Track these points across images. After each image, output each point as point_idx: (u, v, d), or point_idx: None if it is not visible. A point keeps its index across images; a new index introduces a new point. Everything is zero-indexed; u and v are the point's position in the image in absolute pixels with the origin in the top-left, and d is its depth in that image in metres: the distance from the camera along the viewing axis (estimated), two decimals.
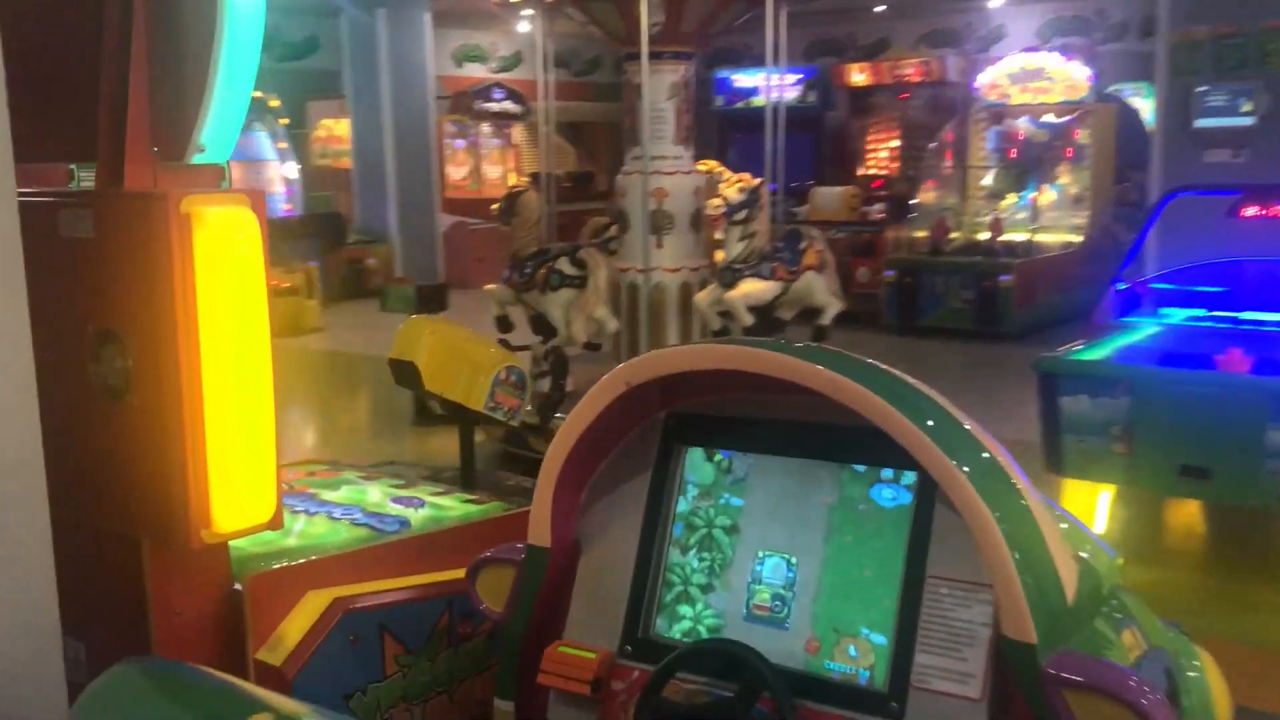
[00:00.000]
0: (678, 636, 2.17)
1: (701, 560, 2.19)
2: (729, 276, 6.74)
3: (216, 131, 2.33)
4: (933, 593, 1.92)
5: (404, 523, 2.93)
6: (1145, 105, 13.39)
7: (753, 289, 6.72)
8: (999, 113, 12.97)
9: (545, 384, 7.15)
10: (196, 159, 2.35)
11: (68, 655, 2.14)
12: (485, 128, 18.30)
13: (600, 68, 19.59)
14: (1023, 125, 12.90)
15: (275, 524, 2.44)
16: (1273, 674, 4.12)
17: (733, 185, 6.75)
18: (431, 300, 8.11)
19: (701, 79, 19.07)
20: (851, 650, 1.99)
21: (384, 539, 2.83)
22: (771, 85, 7.33)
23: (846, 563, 2.03)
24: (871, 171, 15.55)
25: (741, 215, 6.66)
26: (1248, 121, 9.20)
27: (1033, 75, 12.73)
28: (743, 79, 16.58)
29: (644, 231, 6.91)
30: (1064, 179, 12.60)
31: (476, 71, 18.50)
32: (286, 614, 2.54)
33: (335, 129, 17.33)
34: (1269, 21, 9.13)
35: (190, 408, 2.26)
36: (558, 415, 6.33)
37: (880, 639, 1.97)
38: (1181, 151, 9.53)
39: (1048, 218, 12.39)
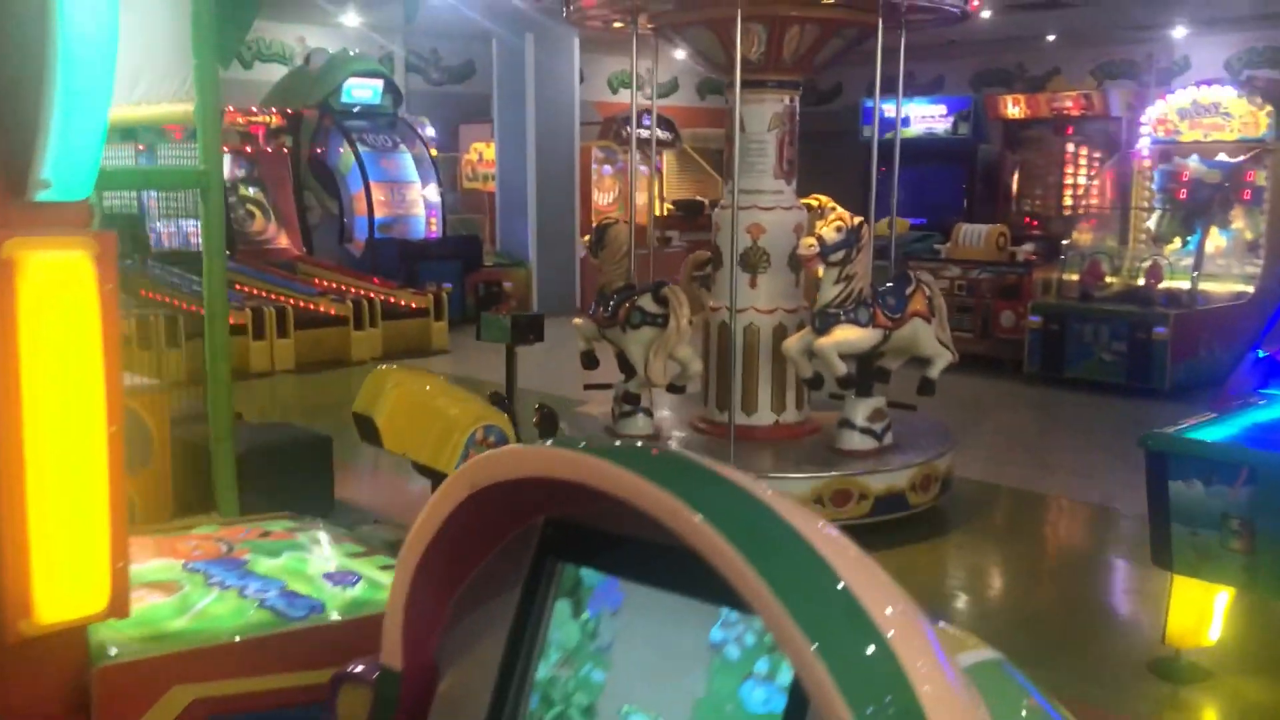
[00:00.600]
0: None
1: None
2: (822, 321, 6.23)
3: (64, 165, 2.05)
4: None
5: (316, 607, 2.59)
6: None
7: (846, 336, 6.19)
8: (1167, 150, 12.00)
9: (625, 424, 6.79)
10: (41, 196, 2.07)
11: None
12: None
13: None
14: (1192, 164, 11.90)
15: (117, 612, 2.14)
16: None
17: (830, 223, 6.26)
18: (527, 331, 7.74)
19: (851, 108, 18.65)
20: None
21: (285, 626, 2.49)
22: (886, 115, 6.81)
23: None
24: (1025, 209, 14.70)
25: (838, 256, 6.16)
26: None
27: (1206, 110, 11.73)
28: (890, 109, 15.92)
29: (731, 268, 6.48)
30: (1237, 223, 11.55)
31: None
32: (144, 712, 2.24)
33: (486, 152, 17.46)
34: None
35: (7, 483, 1.98)
36: None
37: None
38: None
39: (1216, 265, 11.36)
